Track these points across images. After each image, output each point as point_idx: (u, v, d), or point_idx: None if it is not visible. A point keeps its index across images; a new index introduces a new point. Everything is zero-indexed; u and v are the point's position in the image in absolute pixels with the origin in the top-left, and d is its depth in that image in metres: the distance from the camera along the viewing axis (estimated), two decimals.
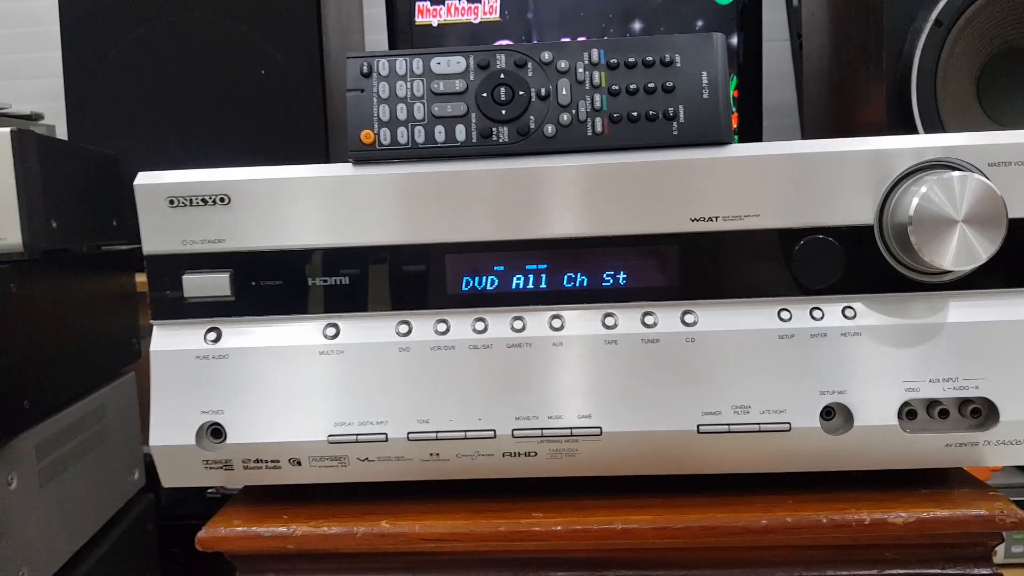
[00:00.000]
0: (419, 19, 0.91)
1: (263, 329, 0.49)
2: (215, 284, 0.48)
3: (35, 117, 0.88)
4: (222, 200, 0.48)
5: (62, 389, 0.68)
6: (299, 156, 0.82)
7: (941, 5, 0.59)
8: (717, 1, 0.86)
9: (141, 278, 0.84)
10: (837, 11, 0.77)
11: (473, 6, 0.90)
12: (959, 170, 0.46)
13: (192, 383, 0.48)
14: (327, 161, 0.84)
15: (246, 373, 0.48)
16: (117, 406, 0.79)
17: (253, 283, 0.49)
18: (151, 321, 0.49)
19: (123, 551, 0.77)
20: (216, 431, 0.48)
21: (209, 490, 0.95)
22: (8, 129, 0.59)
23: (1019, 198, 0.46)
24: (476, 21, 0.90)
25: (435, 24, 0.90)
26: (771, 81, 0.91)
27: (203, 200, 0.48)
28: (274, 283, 0.48)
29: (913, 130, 0.62)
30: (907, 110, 0.61)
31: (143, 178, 0.49)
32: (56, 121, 0.89)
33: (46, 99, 1.07)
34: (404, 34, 0.91)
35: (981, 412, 0.47)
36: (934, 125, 0.61)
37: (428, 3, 0.90)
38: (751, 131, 0.87)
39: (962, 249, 0.44)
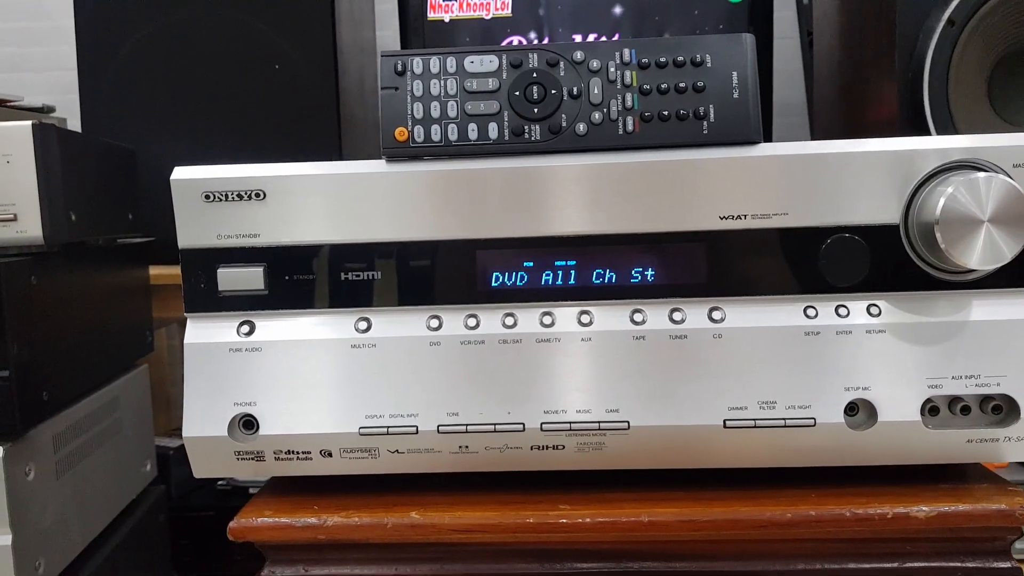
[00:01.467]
0: (431, 14, 0.91)
1: (296, 322, 0.49)
2: (249, 278, 0.49)
3: (47, 110, 0.88)
4: (257, 195, 0.48)
5: (78, 381, 0.68)
6: (312, 150, 0.83)
7: (954, 4, 0.60)
8: None
9: (155, 271, 0.85)
10: (849, 9, 0.78)
11: (485, 1, 0.90)
12: (984, 171, 0.46)
13: (225, 375, 0.49)
14: (340, 155, 0.84)
15: (279, 366, 0.49)
16: (130, 398, 0.79)
17: (286, 277, 0.49)
18: (185, 314, 0.50)
19: (135, 542, 0.77)
20: (248, 423, 0.49)
21: (219, 482, 0.95)
22: (30, 122, 0.59)
23: None
24: (488, 17, 0.90)
25: (447, 20, 0.90)
26: (779, 79, 0.92)
27: (238, 195, 0.48)
28: (307, 277, 0.49)
29: (925, 129, 0.62)
30: (919, 109, 0.62)
31: (180, 173, 0.49)
32: (68, 113, 0.89)
33: (55, 92, 1.07)
34: (416, 30, 0.91)
35: (1002, 409, 0.48)
36: (945, 124, 0.61)
37: None
38: (762, 129, 0.87)
39: (988, 248, 0.45)
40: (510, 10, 0.90)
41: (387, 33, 1.10)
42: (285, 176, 0.48)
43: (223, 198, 0.48)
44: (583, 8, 0.88)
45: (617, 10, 0.87)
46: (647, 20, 0.88)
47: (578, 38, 0.88)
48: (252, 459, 0.49)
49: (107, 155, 0.75)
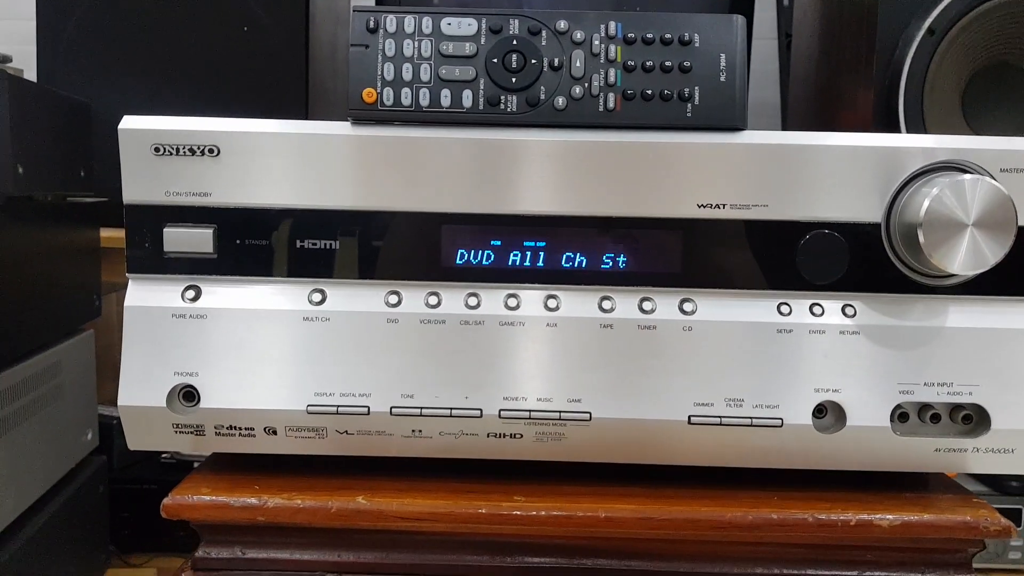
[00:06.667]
0: None
1: (245, 290, 0.46)
2: (198, 239, 0.46)
3: (3, 59, 0.84)
4: (211, 151, 0.45)
5: (18, 342, 0.65)
6: (277, 117, 0.80)
7: (935, 14, 0.59)
8: None
9: (106, 233, 0.81)
10: (829, 13, 0.77)
11: None
12: (971, 173, 0.45)
13: (167, 342, 0.46)
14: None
15: (224, 335, 0.46)
16: (74, 363, 0.76)
17: (238, 241, 0.46)
18: (127, 274, 0.46)
19: (72, 513, 0.74)
20: (189, 394, 0.46)
21: (164, 455, 0.92)
22: None
23: None
24: None
25: None
26: (754, 79, 0.91)
27: (190, 150, 0.45)
28: (260, 243, 0.46)
29: None
30: (893, 117, 0.61)
31: (128, 122, 0.46)
32: (24, 65, 0.85)
33: (13, 42, 1.02)
34: None
35: (972, 419, 0.47)
36: (919, 133, 0.61)
37: None
38: (747, 115, 0.86)
39: (970, 253, 0.43)
40: None
41: (365, 2, 1.07)
42: (242, 132, 0.45)
43: (174, 152, 0.45)
44: None
45: None
46: (625, 6, 0.86)
47: (584, 11, 0.87)
48: (191, 433, 0.46)
49: (61, 108, 0.72)
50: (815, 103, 0.81)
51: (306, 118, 0.82)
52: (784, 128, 1.00)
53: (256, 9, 0.82)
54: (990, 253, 0.43)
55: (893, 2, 0.61)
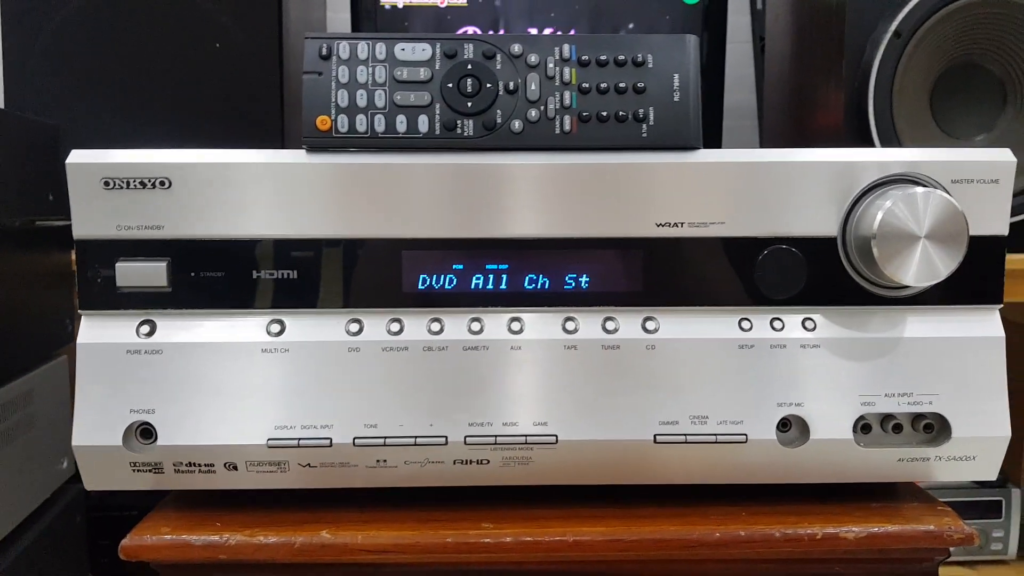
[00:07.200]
0: None
1: (201, 323, 0.46)
2: (151, 273, 0.45)
3: None
4: (162, 184, 0.45)
5: None
6: (253, 135, 0.79)
7: (901, 16, 0.60)
8: (684, 0, 0.85)
9: None
10: (800, 17, 0.78)
11: None
12: (923, 185, 0.45)
13: (122, 379, 0.45)
14: (281, 140, 0.80)
15: (181, 370, 0.45)
16: (46, 391, 0.74)
17: (192, 274, 0.45)
18: (79, 311, 0.46)
19: (49, 544, 0.73)
20: (146, 432, 0.45)
21: None
22: None
23: (980, 215, 0.46)
24: (442, 5, 0.88)
25: (400, 6, 0.88)
26: (731, 82, 0.92)
27: (141, 183, 0.44)
28: (215, 274, 0.45)
29: (868, 138, 0.62)
30: (864, 118, 0.62)
31: (76, 156, 0.45)
32: None
33: None
34: (368, 14, 0.88)
35: (934, 427, 0.47)
36: (889, 134, 0.62)
37: None
38: (711, 132, 0.87)
39: (923, 265, 0.44)
40: (465, 0, 0.88)
41: (340, 15, 1.06)
42: (193, 164, 0.45)
43: (124, 185, 0.44)
44: (539, 2, 0.87)
45: (573, 6, 0.86)
46: (603, 17, 0.87)
47: (533, 31, 0.87)
48: (150, 471, 0.45)
49: (28, 132, 0.70)
50: (789, 106, 0.81)
51: (282, 131, 0.81)
52: (761, 130, 1.00)
53: (227, 24, 0.81)
54: (942, 265, 0.44)
55: (860, 5, 0.62)
